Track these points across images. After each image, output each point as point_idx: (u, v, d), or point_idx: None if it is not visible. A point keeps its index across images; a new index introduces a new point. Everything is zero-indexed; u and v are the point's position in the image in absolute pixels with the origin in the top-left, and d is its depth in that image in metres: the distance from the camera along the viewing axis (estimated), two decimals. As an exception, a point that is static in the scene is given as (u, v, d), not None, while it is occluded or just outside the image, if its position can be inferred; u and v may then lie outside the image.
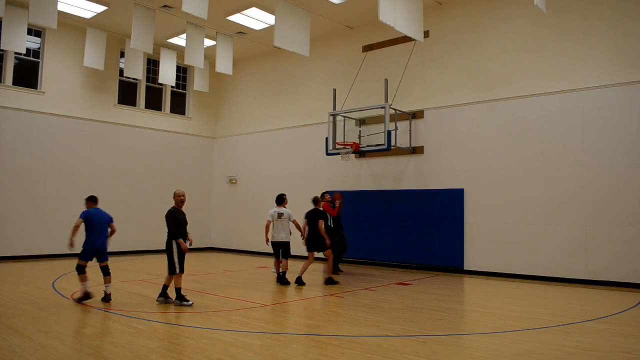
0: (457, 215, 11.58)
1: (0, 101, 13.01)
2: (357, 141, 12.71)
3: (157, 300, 7.57)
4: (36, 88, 13.84)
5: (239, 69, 16.73)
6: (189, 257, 7.75)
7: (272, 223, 9.78)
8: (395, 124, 12.25)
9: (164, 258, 7.82)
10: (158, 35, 14.02)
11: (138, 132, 15.77)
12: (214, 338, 5.53)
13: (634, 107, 9.60)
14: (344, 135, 12.59)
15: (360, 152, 12.43)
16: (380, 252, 12.86)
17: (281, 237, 9.71)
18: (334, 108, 12.68)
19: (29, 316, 6.47)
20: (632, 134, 9.57)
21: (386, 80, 11.70)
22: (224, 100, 17.94)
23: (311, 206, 9.93)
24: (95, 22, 13.77)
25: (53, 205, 13.69)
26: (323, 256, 9.85)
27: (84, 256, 7.43)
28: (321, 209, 10.02)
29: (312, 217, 9.75)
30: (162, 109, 16.64)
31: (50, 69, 13.99)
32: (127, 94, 15.83)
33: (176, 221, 7.42)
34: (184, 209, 7.68)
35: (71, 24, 14.03)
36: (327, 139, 12.51)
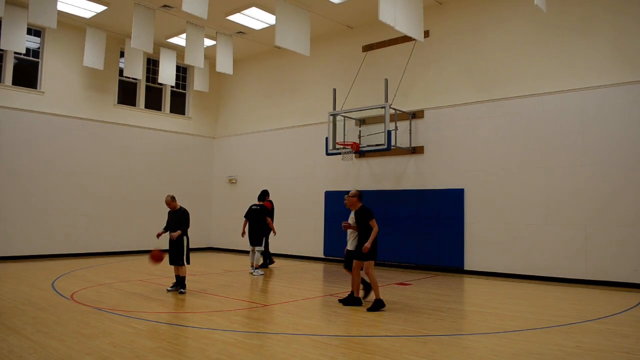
0: (457, 215, 11.58)
1: (-1, 101, 13.05)
2: (357, 141, 12.71)
3: (180, 291, 8.27)
4: (36, 88, 13.83)
5: (239, 68, 16.73)
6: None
7: None
8: (395, 124, 12.25)
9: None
10: (158, 35, 14.01)
11: (138, 132, 15.76)
12: (214, 338, 5.53)
13: (633, 107, 9.60)
14: (344, 135, 12.59)
15: (360, 152, 12.43)
16: (380, 252, 12.76)
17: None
18: (334, 108, 12.68)
19: (29, 316, 6.46)
20: (632, 133, 9.57)
21: (386, 80, 11.70)
22: (224, 100, 17.94)
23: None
24: (95, 22, 13.77)
25: (53, 205, 13.64)
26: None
27: None
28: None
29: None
30: (162, 109, 16.63)
31: (50, 68, 13.98)
32: (126, 93, 15.82)
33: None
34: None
35: (71, 24, 14.02)
36: (327, 139, 12.51)
